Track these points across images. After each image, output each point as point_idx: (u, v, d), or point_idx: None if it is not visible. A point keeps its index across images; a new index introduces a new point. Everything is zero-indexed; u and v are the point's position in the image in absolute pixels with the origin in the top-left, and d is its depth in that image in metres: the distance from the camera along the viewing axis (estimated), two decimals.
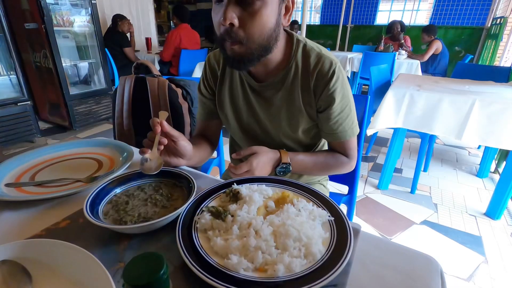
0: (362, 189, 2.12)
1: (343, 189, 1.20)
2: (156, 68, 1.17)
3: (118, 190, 0.56)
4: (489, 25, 4.46)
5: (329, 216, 0.49)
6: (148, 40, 4.41)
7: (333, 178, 1.16)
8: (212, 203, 0.54)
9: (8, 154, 2.57)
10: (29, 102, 2.71)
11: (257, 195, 0.52)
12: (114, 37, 3.62)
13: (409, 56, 3.94)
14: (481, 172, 2.34)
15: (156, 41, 4.98)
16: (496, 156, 2.40)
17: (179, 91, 1.17)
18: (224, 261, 0.40)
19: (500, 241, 1.61)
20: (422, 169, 2.29)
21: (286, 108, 0.76)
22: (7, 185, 0.60)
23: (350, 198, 1.19)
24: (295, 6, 0.68)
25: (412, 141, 3.06)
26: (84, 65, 3.39)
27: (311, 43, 0.75)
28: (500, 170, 2.35)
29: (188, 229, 0.46)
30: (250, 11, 0.59)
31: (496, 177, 2.34)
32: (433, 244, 1.58)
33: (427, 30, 3.90)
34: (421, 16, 5.49)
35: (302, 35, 2.64)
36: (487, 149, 2.25)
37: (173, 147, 0.66)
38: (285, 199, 0.53)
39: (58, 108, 3.09)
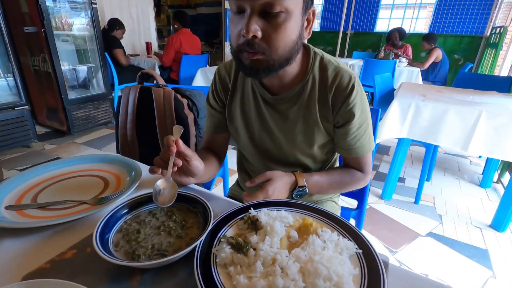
0: None
1: (352, 202, 1.17)
2: (160, 77, 1.14)
3: (128, 216, 0.52)
4: (488, 34, 4.49)
5: (356, 249, 0.46)
6: (148, 45, 4.38)
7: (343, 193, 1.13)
8: (230, 231, 0.50)
9: (4, 160, 2.51)
10: (26, 106, 2.66)
11: (278, 224, 0.48)
12: (106, 41, 3.52)
13: (409, 64, 3.95)
14: (484, 182, 2.33)
15: (156, 46, 4.96)
16: (499, 165, 2.39)
17: (184, 101, 1.13)
18: None
19: (507, 255, 1.58)
20: (425, 178, 2.27)
21: (302, 122, 0.73)
22: (8, 207, 0.57)
23: (359, 212, 1.16)
24: (314, 19, 0.66)
25: (413, 150, 3.05)
26: (83, 69, 3.35)
27: (328, 56, 0.72)
28: (503, 180, 2.34)
29: (206, 263, 0.43)
30: (274, 24, 0.56)
31: (499, 187, 2.33)
32: (439, 258, 1.55)
33: (428, 38, 3.92)
34: (421, 24, 5.53)
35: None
36: (489, 159, 2.24)
37: (185, 167, 0.63)
38: (308, 228, 0.50)
39: (56, 113, 3.03)
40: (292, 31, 0.59)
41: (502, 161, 2.34)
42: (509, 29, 3.76)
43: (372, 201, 2.08)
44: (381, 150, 2.99)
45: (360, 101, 0.69)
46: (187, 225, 0.51)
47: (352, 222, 1.19)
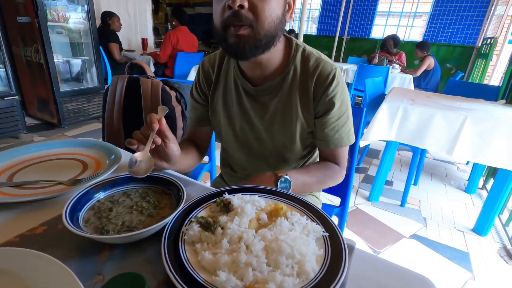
0: (353, 201, 2.12)
1: (335, 200, 1.19)
2: (150, 69, 1.14)
3: (102, 196, 0.52)
4: (479, 45, 4.59)
5: (323, 232, 0.47)
6: (144, 41, 4.37)
7: (326, 189, 1.15)
8: (202, 213, 0.51)
9: None
10: (16, 96, 2.63)
11: (249, 207, 0.49)
12: (102, 33, 3.53)
13: (402, 71, 4.01)
14: (469, 187, 2.37)
15: (153, 42, 4.95)
16: (484, 172, 2.44)
17: (172, 93, 1.14)
18: (212, 277, 0.37)
19: (487, 258, 1.61)
20: (412, 182, 2.31)
21: (281, 114, 0.74)
22: None
23: (342, 210, 1.17)
24: (295, 5, 0.68)
25: (403, 154, 3.09)
26: (76, 62, 3.33)
27: (310, 48, 0.74)
28: (488, 186, 2.38)
29: (175, 240, 0.43)
30: None
31: (484, 193, 2.37)
32: (421, 259, 1.57)
33: (421, 46, 3.99)
34: (415, 32, 5.62)
35: None
36: (475, 165, 2.29)
37: (162, 149, 0.63)
38: (278, 212, 0.51)
39: (47, 105, 3.01)
40: (277, 5, 0.60)
41: (487, 167, 2.38)
42: (499, 41, 3.85)
43: (359, 202, 2.10)
44: (370, 153, 3.02)
45: (340, 92, 0.70)
46: (160, 206, 0.51)
47: (335, 219, 1.21)
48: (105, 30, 3.53)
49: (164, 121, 0.59)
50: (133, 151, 0.59)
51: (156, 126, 0.58)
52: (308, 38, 6.26)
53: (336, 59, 5.80)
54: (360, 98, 4.43)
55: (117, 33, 3.65)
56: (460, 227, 1.89)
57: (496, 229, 1.90)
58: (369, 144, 2.88)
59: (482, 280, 1.45)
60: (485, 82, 4.06)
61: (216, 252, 0.41)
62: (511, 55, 2.82)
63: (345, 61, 5.44)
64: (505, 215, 1.96)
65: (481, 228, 1.82)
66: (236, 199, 0.52)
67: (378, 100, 2.42)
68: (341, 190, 1.15)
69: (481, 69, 4.10)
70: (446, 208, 2.10)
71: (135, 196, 0.54)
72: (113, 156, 0.69)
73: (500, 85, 2.93)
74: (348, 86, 4.11)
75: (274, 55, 0.69)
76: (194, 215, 0.50)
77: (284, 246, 0.41)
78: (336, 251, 0.43)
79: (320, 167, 0.79)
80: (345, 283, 0.41)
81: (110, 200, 0.51)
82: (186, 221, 0.48)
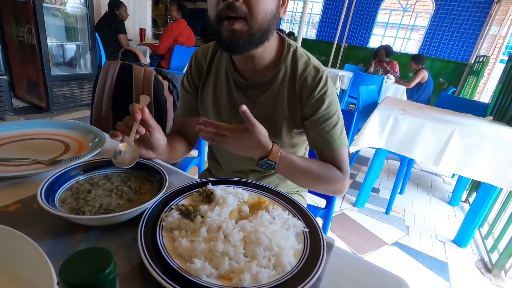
0: (339, 205, 2.13)
1: (321, 202, 1.19)
2: (143, 57, 1.13)
3: (81, 177, 0.51)
4: (472, 62, 4.70)
5: (304, 227, 0.47)
6: (142, 31, 4.32)
7: (312, 191, 1.15)
8: (183, 201, 0.50)
9: None
10: (5, 77, 2.56)
11: (231, 198, 0.49)
12: (111, 23, 3.53)
13: (396, 81, 4.07)
14: (453, 200, 2.42)
15: (150, 33, 4.89)
16: (468, 186, 2.49)
17: (165, 83, 1.13)
18: (187, 264, 0.37)
19: (465, 269, 1.65)
20: (398, 191, 2.34)
21: (269, 111, 0.73)
22: None
23: (326, 212, 1.18)
24: (289, 1, 0.68)
25: (391, 163, 3.13)
26: (71, 47, 3.26)
27: (301, 50, 0.74)
28: (471, 200, 2.43)
29: (153, 226, 0.43)
30: None
31: (466, 206, 2.42)
32: (401, 266, 1.59)
33: (416, 59, 4.06)
34: (412, 45, 5.72)
35: None
36: (460, 178, 2.34)
37: (147, 138, 0.62)
38: (260, 205, 0.50)
39: (37, 88, 2.93)
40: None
41: (471, 181, 2.44)
42: (491, 59, 3.95)
43: (345, 207, 2.12)
44: (360, 160, 3.05)
45: (327, 94, 0.70)
46: (141, 191, 0.50)
47: (319, 221, 1.21)
48: (113, 19, 3.53)
49: (146, 110, 0.58)
50: None
51: (139, 116, 0.57)
52: (307, 42, 6.30)
53: (333, 66, 5.85)
54: (354, 106, 4.48)
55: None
56: (441, 237, 1.93)
57: (475, 241, 1.94)
58: (359, 150, 2.91)
59: None
60: (475, 98, 4.16)
61: (194, 240, 0.40)
62: (502, 74, 2.89)
63: (341, 68, 5.50)
64: (485, 229, 2.01)
65: (461, 240, 1.86)
66: (219, 190, 0.52)
67: (370, 107, 2.45)
68: None
69: (472, 86, 4.20)
70: (429, 219, 2.13)
71: (116, 180, 0.52)
72: (96, 139, 0.68)
73: (489, 102, 3.01)
74: (342, 93, 4.16)
75: (267, 50, 0.69)
76: (175, 203, 0.49)
77: (262, 238, 0.40)
78: (314, 247, 0.43)
79: (320, 164, 0.73)
80: (321, 279, 0.41)
81: (90, 182, 0.50)
82: (166, 208, 0.47)
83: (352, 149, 1.93)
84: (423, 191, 2.58)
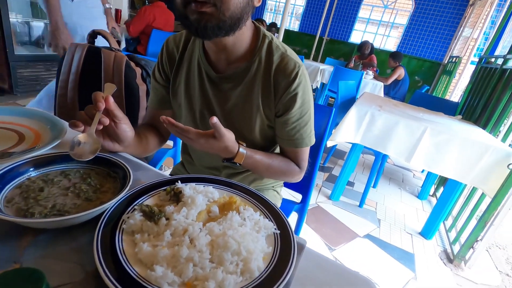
0: (315, 198, 2.17)
1: (297, 196, 1.19)
2: (115, 41, 1.05)
3: (33, 174, 0.46)
4: (446, 62, 4.90)
5: (275, 229, 0.46)
6: (117, 12, 4.08)
7: (288, 185, 1.15)
8: (149, 201, 0.47)
9: None
10: None
11: (200, 198, 0.46)
12: None
13: (374, 77, 4.17)
14: (421, 194, 2.54)
15: (127, 15, 4.63)
16: (436, 181, 2.62)
17: (138, 70, 1.06)
18: (147, 272, 0.34)
19: (429, 260, 1.74)
20: (372, 185, 2.42)
21: (242, 105, 0.70)
22: None
23: (302, 206, 1.18)
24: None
25: (366, 158, 3.22)
26: (37, 25, 3.02)
27: (277, 41, 0.71)
28: (438, 194, 2.57)
29: (112, 229, 0.39)
30: None
31: (434, 200, 2.55)
32: (371, 257, 1.65)
33: (394, 56, 4.16)
34: (391, 42, 5.86)
35: (279, 38, 2.63)
36: (429, 174, 2.45)
37: (112, 129, 0.58)
38: (231, 206, 0.48)
39: None
40: None
41: (439, 176, 2.57)
42: (463, 60, 4.13)
43: (321, 200, 2.16)
44: (337, 154, 3.12)
45: (302, 91, 0.68)
46: (101, 190, 0.46)
47: (295, 215, 1.22)
48: None
49: (111, 99, 0.54)
50: None
51: (102, 106, 0.52)
52: (289, 34, 6.26)
53: (315, 59, 5.88)
54: (333, 99, 4.54)
55: None
56: (409, 230, 2.02)
57: (440, 233, 2.05)
58: (336, 145, 2.97)
59: (423, 280, 1.56)
60: (447, 97, 4.36)
61: (157, 244, 0.38)
62: (472, 75, 3.03)
63: (323, 61, 5.54)
64: (449, 222, 2.13)
65: (427, 232, 1.96)
66: (188, 189, 0.49)
67: (349, 102, 2.49)
68: (304, 187, 1.16)
69: (444, 85, 4.39)
70: (399, 212, 2.23)
71: (74, 177, 0.48)
72: (56, 130, 0.62)
73: (459, 101, 3.15)
74: (323, 87, 4.19)
75: (240, 40, 0.65)
76: (139, 202, 0.46)
77: (230, 242, 0.38)
78: (285, 250, 0.42)
79: (280, 158, 0.75)
80: (290, 283, 0.40)
81: (43, 179, 0.45)
82: (129, 209, 0.44)
83: (330, 144, 1.95)
84: (395, 185, 2.69)
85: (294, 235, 0.45)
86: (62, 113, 1.00)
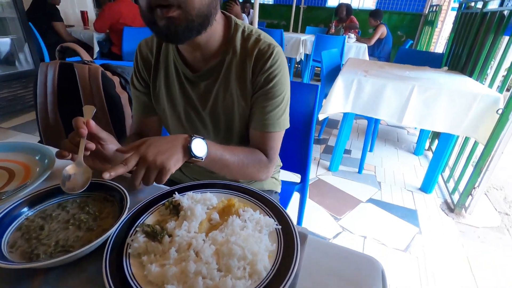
0: (315, 172, 2.20)
1: (296, 177, 1.21)
2: (85, 52, 1.01)
3: (31, 212, 0.46)
4: (426, 12, 4.80)
5: (276, 225, 0.47)
6: (84, 14, 3.89)
7: (286, 167, 1.16)
8: (150, 218, 0.48)
9: None
10: None
11: (199, 208, 0.47)
12: (41, 9, 3.12)
13: (357, 40, 4.09)
14: (417, 150, 2.59)
15: (94, 15, 4.43)
16: (430, 135, 2.66)
17: (116, 79, 1.03)
18: None
19: (431, 213, 1.81)
20: (368, 149, 2.45)
21: (223, 98, 0.69)
22: None
23: (302, 186, 1.21)
24: None
25: (360, 123, 3.24)
26: (4, 41, 2.88)
27: (250, 28, 0.69)
28: (433, 147, 2.62)
29: (118, 255, 0.40)
30: None
31: (430, 154, 2.61)
32: (377, 221, 1.72)
33: (374, 14, 4.06)
34: (369, 1, 5.70)
35: (254, 14, 2.54)
36: (422, 129, 2.48)
37: (100, 152, 0.57)
38: (231, 209, 0.49)
39: None
40: None
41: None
42: (443, 8, 4.05)
43: (320, 173, 2.20)
44: (330, 124, 3.13)
45: (278, 71, 0.66)
46: (101, 216, 0.47)
47: (296, 195, 1.24)
48: (44, 4, 3.09)
49: (92, 123, 0.53)
50: None
51: (85, 132, 0.51)
52: (264, 8, 6.05)
53: (295, 30, 5.73)
54: (319, 69, 4.49)
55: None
56: (409, 187, 2.08)
57: (439, 186, 2.12)
58: (328, 116, 2.97)
59: (427, 233, 1.63)
60: (431, 48, 4.32)
61: (164, 263, 0.39)
62: (454, 22, 2.99)
63: (303, 31, 5.41)
64: (446, 173, 2.19)
65: (427, 186, 2.02)
66: (185, 200, 0.50)
67: (335, 71, 2.47)
68: (301, 167, 1.18)
69: (428, 36, 4.33)
70: (398, 171, 2.28)
71: (72, 208, 0.48)
72: (46, 161, 0.62)
73: (444, 52, 3.13)
74: (307, 58, 4.12)
75: (213, 35, 0.63)
76: (141, 221, 0.47)
77: (235, 249, 0.40)
78: (288, 245, 0.44)
79: (245, 149, 0.70)
80: (298, 275, 0.42)
81: (42, 216, 0.46)
82: (132, 231, 0.44)
83: (321, 117, 1.96)
84: (391, 146, 2.73)
85: (296, 227, 0.47)
86: (48, 137, 0.99)
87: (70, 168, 0.51)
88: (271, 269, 0.40)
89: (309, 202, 1.84)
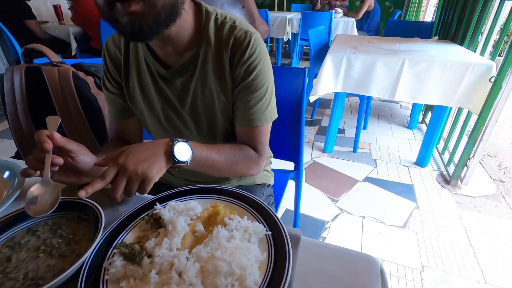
0: (310, 155, 2.18)
1: (289, 165, 1.18)
2: (53, 53, 0.94)
3: None
4: None
5: (266, 231, 0.44)
6: (57, 8, 3.68)
7: (279, 156, 1.13)
8: (130, 235, 0.44)
9: None
10: None
11: (182, 220, 0.44)
12: (10, 7, 2.93)
13: (344, 14, 3.97)
14: (411, 123, 2.57)
15: (68, 10, 4.21)
16: (423, 107, 2.64)
17: (90, 79, 0.97)
18: None
19: (428, 186, 1.81)
20: (362, 127, 2.43)
21: (201, 95, 0.64)
22: None
23: (297, 173, 1.18)
24: None
25: (352, 100, 3.20)
26: None
27: (224, 14, 0.63)
28: (427, 120, 2.60)
29: (95, 283, 0.37)
30: None
31: (423, 127, 2.59)
32: (374, 199, 1.71)
33: None
34: None
35: None
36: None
37: (71, 165, 0.53)
38: (216, 218, 0.46)
39: None
40: None
41: None
42: None
43: (315, 155, 2.17)
44: (322, 104, 3.08)
45: (258, 60, 0.61)
46: (75, 239, 0.43)
47: (292, 183, 1.22)
48: (13, 2, 2.91)
49: (57, 135, 0.48)
50: None
51: (49, 146, 0.47)
52: None
53: (280, 8, 5.54)
54: (308, 48, 4.37)
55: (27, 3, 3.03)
56: (405, 162, 2.07)
57: (434, 159, 2.12)
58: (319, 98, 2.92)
59: (425, 207, 1.63)
60: (421, 18, 4.21)
61: None
62: None
63: (288, 9, 5.22)
64: (441, 145, 2.18)
65: (422, 160, 2.01)
66: (167, 212, 0.46)
67: (323, 50, 2.39)
68: (294, 155, 1.14)
69: (416, 5, 4.22)
70: (393, 147, 2.27)
71: (43, 232, 0.44)
72: (16, 179, 0.57)
73: (433, 20, 3.05)
74: (294, 37, 4.00)
75: (183, 26, 0.57)
76: (120, 240, 0.43)
77: (220, 265, 0.36)
78: (280, 252, 0.41)
79: (232, 146, 0.66)
80: (292, 284, 0.39)
81: (9, 245, 0.42)
82: (109, 253, 0.41)
83: (312, 99, 1.91)
84: (384, 121, 2.71)
85: (287, 231, 0.43)
86: (24, 148, 0.93)
87: (35, 188, 0.46)
88: (262, 282, 0.37)
89: (305, 186, 1.82)
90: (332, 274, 0.41)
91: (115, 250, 0.41)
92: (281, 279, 0.37)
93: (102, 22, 2.90)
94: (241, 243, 0.41)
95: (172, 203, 0.49)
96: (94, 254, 0.40)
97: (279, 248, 0.41)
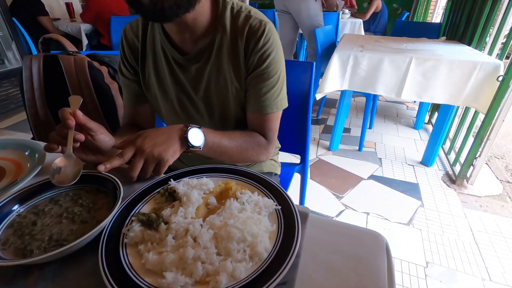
0: (315, 152, 2.19)
1: (295, 159, 1.20)
2: (69, 43, 0.97)
3: (22, 209, 0.45)
4: None
5: (276, 205, 0.46)
6: (69, 6, 3.76)
7: (285, 149, 1.15)
8: (145, 207, 0.47)
9: None
10: None
11: (195, 193, 0.46)
12: (24, 4, 3.01)
13: (352, 15, 3.98)
14: (417, 124, 2.56)
15: (80, 7, 4.29)
16: (429, 107, 2.63)
17: (104, 69, 1.00)
18: (158, 281, 0.35)
19: (433, 185, 1.81)
20: (368, 126, 2.43)
21: (216, 82, 0.67)
22: None
23: (302, 166, 1.20)
24: None
25: (358, 100, 3.21)
26: None
27: (239, 4, 0.65)
28: (433, 120, 2.59)
29: (115, 245, 0.39)
30: None
31: (430, 127, 2.59)
32: (379, 197, 1.72)
33: None
34: None
35: None
36: (421, 103, 2.45)
37: (90, 143, 0.55)
38: (228, 193, 0.48)
39: None
40: None
41: (432, 103, 2.57)
42: None
43: (321, 153, 2.19)
44: (328, 104, 3.09)
45: (271, 49, 0.63)
46: (95, 208, 0.46)
47: (297, 176, 1.23)
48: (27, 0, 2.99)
49: (80, 113, 0.51)
50: None
51: (72, 122, 0.49)
52: None
53: None
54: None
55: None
56: (410, 161, 2.07)
57: (440, 158, 2.11)
58: (325, 96, 2.93)
59: (430, 206, 1.64)
60: (428, 19, 4.20)
61: (162, 251, 0.38)
62: None
63: None
64: (447, 145, 2.18)
65: (428, 159, 2.01)
66: (181, 186, 0.48)
67: (330, 49, 2.41)
68: (300, 148, 1.16)
69: (424, 7, 4.21)
70: (398, 146, 2.27)
71: (65, 201, 0.47)
72: (37, 155, 0.60)
73: (441, 21, 3.04)
74: (301, 37, 4.01)
75: (201, 13, 0.60)
76: (137, 211, 0.46)
77: (233, 232, 0.38)
78: (289, 225, 0.42)
79: (242, 133, 0.69)
80: (300, 254, 0.41)
81: (34, 212, 0.44)
82: (127, 221, 0.43)
83: (318, 96, 1.92)
84: (390, 121, 2.71)
85: (296, 207, 0.45)
86: (40, 133, 0.97)
87: (59, 160, 0.49)
88: (272, 250, 0.39)
89: (310, 183, 1.84)
90: (339, 248, 0.43)
91: (133, 218, 0.43)
92: (290, 248, 0.38)
93: (113, 20, 2.95)
94: (252, 214, 0.43)
95: (186, 179, 0.51)
96: (113, 221, 0.42)
97: (288, 221, 0.43)
